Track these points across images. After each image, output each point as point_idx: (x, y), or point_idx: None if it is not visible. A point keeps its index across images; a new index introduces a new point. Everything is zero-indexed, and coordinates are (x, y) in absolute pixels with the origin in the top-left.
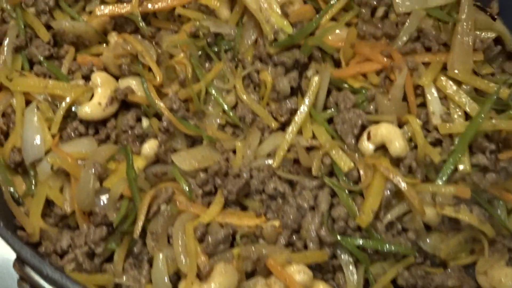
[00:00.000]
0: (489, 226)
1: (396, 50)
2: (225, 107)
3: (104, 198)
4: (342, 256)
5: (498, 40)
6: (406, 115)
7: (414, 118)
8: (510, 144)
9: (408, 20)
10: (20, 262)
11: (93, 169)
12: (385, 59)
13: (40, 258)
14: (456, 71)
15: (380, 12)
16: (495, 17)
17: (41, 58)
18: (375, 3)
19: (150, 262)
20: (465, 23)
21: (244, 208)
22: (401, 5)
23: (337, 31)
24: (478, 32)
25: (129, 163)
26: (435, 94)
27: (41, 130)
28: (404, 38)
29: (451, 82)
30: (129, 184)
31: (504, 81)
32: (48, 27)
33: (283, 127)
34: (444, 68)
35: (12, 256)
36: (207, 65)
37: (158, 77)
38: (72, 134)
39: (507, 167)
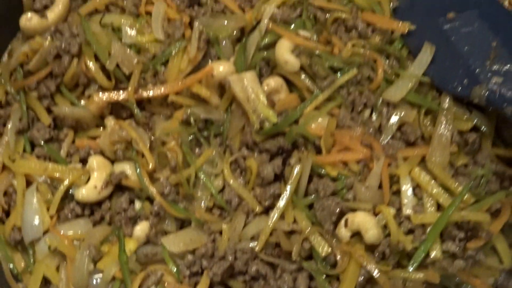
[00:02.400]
0: None
1: (376, 140)
2: (213, 190)
3: (97, 279)
4: None
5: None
6: (380, 205)
7: (387, 208)
8: (477, 233)
9: (392, 117)
10: None
11: (87, 251)
12: (364, 149)
13: None
14: (432, 165)
15: (366, 113)
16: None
17: (42, 142)
18: (361, 103)
19: None
20: (445, 116)
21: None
22: (388, 95)
23: (320, 119)
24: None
25: (121, 248)
26: (409, 186)
27: (40, 211)
28: (386, 136)
29: (426, 175)
30: (121, 267)
31: (475, 178)
32: (49, 110)
33: (267, 211)
34: (422, 160)
35: None
36: (197, 149)
37: (150, 163)
38: (69, 215)
39: (474, 255)
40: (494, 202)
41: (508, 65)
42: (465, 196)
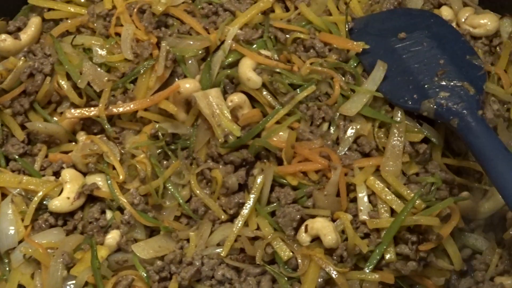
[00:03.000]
0: None
1: (334, 152)
2: (180, 200)
3: (71, 285)
4: None
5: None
6: (338, 212)
7: (344, 214)
8: (428, 237)
9: (349, 130)
10: None
11: (61, 259)
12: (323, 160)
13: None
14: (386, 174)
15: (324, 127)
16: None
17: (16, 156)
18: (319, 117)
19: None
20: (397, 128)
21: None
22: (345, 109)
23: (281, 133)
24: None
25: (94, 254)
26: (365, 193)
27: (15, 222)
28: (343, 148)
29: (380, 183)
30: (93, 273)
31: (425, 185)
32: (23, 126)
33: (232, 219)
34: (377, 169)
35: None
36: (165, 162)
37: (121, 175)
38: (43, 225)
39: (426, 257)
40: (443, 207)
41: (455, 81)
42: (417, 202)
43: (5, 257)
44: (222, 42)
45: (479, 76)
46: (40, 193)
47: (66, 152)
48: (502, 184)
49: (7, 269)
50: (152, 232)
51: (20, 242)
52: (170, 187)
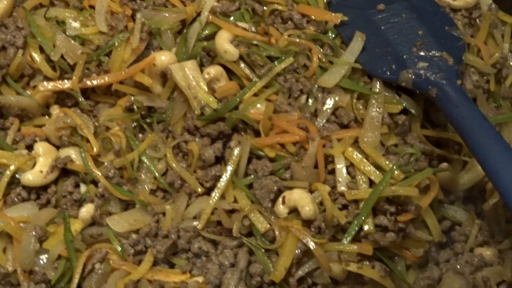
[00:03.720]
0: (389, 281)
1: (312, 123)
2: (156, 174)
3: (43, 258)
4: None
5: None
6: (316, 183)
7: (322, 185)
8: (407, 208)
9: (327, 102)
10: None
11: (34, 232)
12: (300, 131)
13: None
14: (365, 145)
15: (302, 99)
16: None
17: None
18: (297, 89)
19: None
20: (376, 99)
21: (171, 265)
22: (323, 81)
23: (258, 105)
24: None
25: (67, 227)
26: (343, 165)
27: None
28: (321, 119)
29: (358, 154)
30: (67, 246)
31: (403, 155)
32: None
33: (208, 192)
34: (356, 140)
35: None
36: (140, 135)
37: (95, 148)
38: (16, 199)
39: (404, 228)
40: (422, 178)
41: (433, 51)
42: (395, 173)
43: None
44: (199, 14)
45: (458, 47)
46: (12, 167)
47: (40, 126)
48: (482, 155)
49: None
50: (127, 205)
51: None
52: (145, 161)
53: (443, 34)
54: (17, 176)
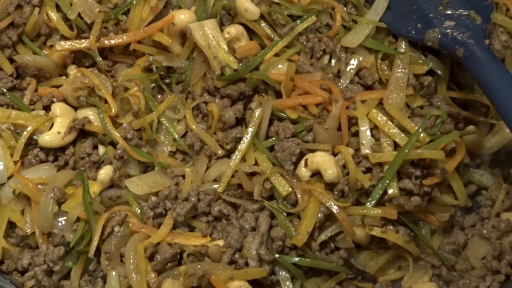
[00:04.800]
0: (413, 245)
1: (335, 84)
2: (176, 135)
3: (62, 220)
4: (280, 273)
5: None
6: (339, 146)
7: (346, 148)
8: (433, 171)
9: (350, 62)
10: None
11: (52, 194)
12: (323, 92)
13: (3, 276)
14: (389, 107)
15: (325, 59)
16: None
17: (4, 90)
18: (320, 49)
19: (104, 279)
20: (401, 60)
21: (191, 229)
22: (346, 41)
23: (280, 66)
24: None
25: (85, 189)
26: (367, 127)
27: (3, 157)
28: (344, 80)
29: (383, 116)
30: (85, 208)
31: (429, 117)
32: (11, 60)
33: (229, 154)
34: (380, 102)
35: None
36: (159, 96)
37: (113, 109)
38: (33, 161)
39: (430, 192)
40: (448, 141)
41: (460, 10)
42: (421, 135)
43: None
44: None
45: (486, 5)
46: (30, 128)
47: (57, 87)
48: (510, 117)
49: None
50: (146, 168)
51: (9, 178)
52: (164, 122)
53: None
54: (34, 137)
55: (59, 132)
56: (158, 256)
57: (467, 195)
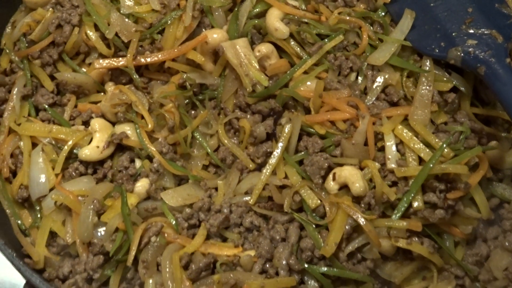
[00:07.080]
0: (437, 257)
1: (361, 101)
2: (209, 150)
3: (101, 231)
4: (309, 282)
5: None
6: (366, 160)
7: (372, 162)
8: (457, 185)
9: (377, 80)
10: (29, 287)
11: (92, 205)
12: (350, 109)
13: (47, 284)
14: (414, 123)
15: (352, 76)
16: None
17: (46, 106)
18: (347, 67)
19: (141, 287)
20: (426, 77)
21: (224, 239)
22: (373, 59)
23: (308, 83)
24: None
25: (124, 201)
26: (393, 142)
27: (45, 170)
28: (371, 97)
29: (408, 131)
30: (124, 219)
31: (454, 133)
32: (52, 77)
33: (260, 168)
34: (405, 118)
35: (19, 281)
36: (193, 112)
37: (149, 124)
38: (73, 174)
39: (453, 205)
40: (472, 156)
41: (482, 29)
42: (445, 151)
43: (37, 205)
44: None
45: (507, 25)
46: (70, 142)
47: (95, 103)
48: None
49: (39, 216)
50: (180, 181)
51: (51, 190)
52: (198, 137)
53: (492, 11)
54: (74, 151)
55: (97, 147)
56: (193, 265)
57: (490, 208)
